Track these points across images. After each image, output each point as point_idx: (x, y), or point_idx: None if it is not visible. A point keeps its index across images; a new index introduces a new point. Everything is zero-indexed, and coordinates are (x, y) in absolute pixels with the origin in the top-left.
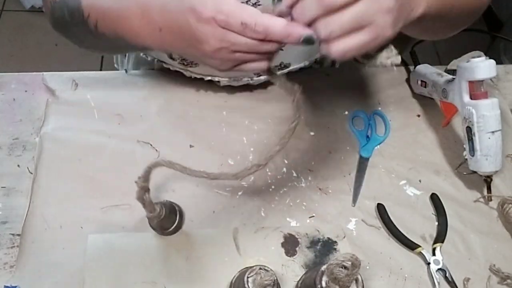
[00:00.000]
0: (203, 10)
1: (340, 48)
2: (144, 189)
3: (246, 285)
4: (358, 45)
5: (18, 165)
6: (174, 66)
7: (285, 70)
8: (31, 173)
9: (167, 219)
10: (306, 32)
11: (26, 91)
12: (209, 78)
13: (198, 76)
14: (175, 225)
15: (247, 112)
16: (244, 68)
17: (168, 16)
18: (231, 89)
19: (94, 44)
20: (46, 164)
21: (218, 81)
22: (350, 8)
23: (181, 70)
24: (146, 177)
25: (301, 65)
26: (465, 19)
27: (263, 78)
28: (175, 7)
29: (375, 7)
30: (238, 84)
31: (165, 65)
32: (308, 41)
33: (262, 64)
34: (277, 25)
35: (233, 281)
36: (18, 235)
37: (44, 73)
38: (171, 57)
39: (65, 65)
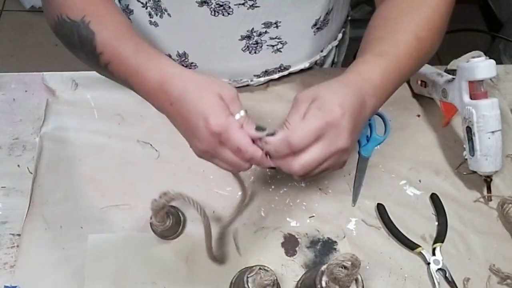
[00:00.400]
0: (214, 124)
1: (301, 173)
2: (163, 207)
3: (246, 285)
4: (317, 172)
5: (18, 165)
6: None
7: (285, 72)
8: (31, 173)
9: (170, 229)
10: (271, 164)
11: (26, 91)
12: None
13: None
14: (176, 234)
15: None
16: (217, 164)
17: (184, 105)
18: None
19: (96, 70)
20: (46, 164)
21: None
22: (310, 150)
23: None
24: (168, 199)
25: (301, 66)
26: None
27: (262, 79)
28: (193, 101)
29: (332, 151)
30: (238, 85)
31: None
32: (273, 168)
33: (232, 171)
34: (258, 155)
35: (233, 281)
36: (18, 235)
37: (44, 73)
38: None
39: (65, 65)
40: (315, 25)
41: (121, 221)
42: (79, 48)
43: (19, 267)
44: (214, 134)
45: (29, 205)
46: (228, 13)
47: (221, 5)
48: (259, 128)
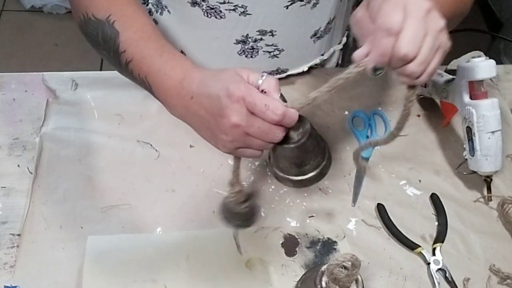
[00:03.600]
0: (236, 90)
1: (426, 76)
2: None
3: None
4: (437, 66)
5: (18, 165)
6: None
7: (283, 75)
8: (31, 173)
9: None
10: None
11: (26, 91)
12: None
13: None
14: (245, 220)
15: None
16: (243, 153)
17: (204, 89)
18: None
19: (117, 69)
20: (46, 164)
21: None
22: (405, 25)
23: None
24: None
25: (299, 70)
26: (452, 25)
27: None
28: (212, 82)
29: (435, 34)
30: None
31: None
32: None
33: (258, 153)
34: (291, 110)
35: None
36: (18, 235)
37: (44, 73)
38: None
39: (65, 65)
40: (314, 35)
41: (121, 221)
42: (102, 46)
43: (19, 267)
44: (238, 99)
45: (29, 205)
46: (221, 17)
47: (212, 8)
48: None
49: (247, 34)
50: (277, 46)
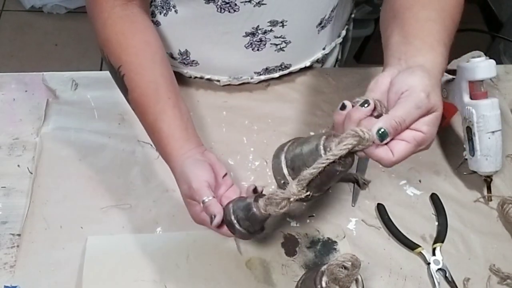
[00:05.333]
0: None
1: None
2: None
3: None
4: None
5: (18, 165)
6: (174, 65)
7: (286, 71)
8: (31, 173)
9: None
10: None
11: (26, 91)
12: (209, 77)
13: (198, 75)
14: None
15: (247, 112)
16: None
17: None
18: (231, 89)
19: None
20: (46, 164)
21: (218, 81)
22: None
23: (181, 70)
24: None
25: (302, 65)
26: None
27: (263, 77)
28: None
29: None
30: (238, 82)
31: None
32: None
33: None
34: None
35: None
36: (18, 235)
37: (44, 73)
38: (172, 57)
39: (65, 65)
40: (320, 23)
41: (121, 221)
42: (120, 90)
43: (19, 267)
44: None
45: (29, 205)
46: (234, 10)
47: (228, 3)
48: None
49: (258, 26)
50: (284, 38)
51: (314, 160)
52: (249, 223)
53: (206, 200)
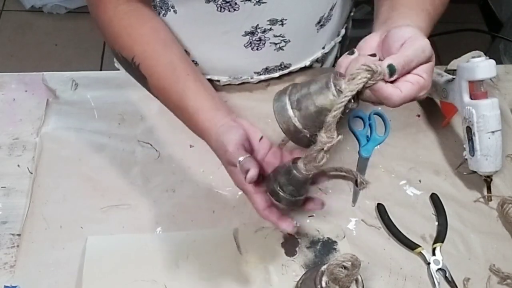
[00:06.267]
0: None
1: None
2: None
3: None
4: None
5: (18, 165)
6: None
7: (286, 71)
8: (31, 173)
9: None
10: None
11: (26, 91)
12: (209, 77)
13: None
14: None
15: (247, 112)
16: None
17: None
18: (231, 88)
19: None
20: (46, 164)
21: (218, 80)
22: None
23: None
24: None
25: (301, 65)
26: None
27: (263, 77)
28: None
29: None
30: (238, 82)
31: None
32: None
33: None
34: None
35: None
36: (18, 235)
37: (44, 73)
38: None
39: (65, 65)
40: (319, 22)
41: (121, 221)
42: (138, 81)
43: (19, 267)
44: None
45: (29, 205)
46: (234, 9)
47: (228, 2)
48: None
49: (257, 25)
50: (284, 37)
51: (325, 98)
52: (292, 187)
53: (242, 159)
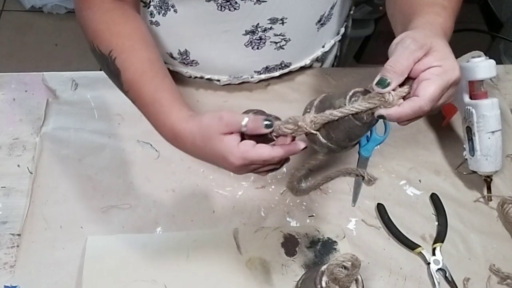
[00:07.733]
0: (234, 160)
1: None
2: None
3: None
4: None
5: (18, 165)
6: (174, 65)
7: (286, 70)
8: (31, 173)
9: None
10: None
11: (26, 91)
12: (209, 76)
13: (198, 75)
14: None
15: None
16: (259, 172)
17: (199, 155)
18: (231, 88)
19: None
20: (46, 164)
21: (218, 80)
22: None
23: (181, 70)
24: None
25: (302, 64)
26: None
27: (263, 76)
28: (204, 151)
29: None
30: (238, 81)
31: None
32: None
33: (274, 171)
34: (283, 154)
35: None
36: (18, 235)
37: (44, 73)
38: (171, 56)
39: (65, 65)
40: (319, 21)
41: (121, 221)
42: (110, 77)
43: (19, 267)
44: (239, 166)
45: (29, 205)
46: (235, 8)
47: (228, 0)
48: (269, 120)
49: (258, 24)
50: (284, 36)
51: (340, 102)
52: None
53: (248, 114)
